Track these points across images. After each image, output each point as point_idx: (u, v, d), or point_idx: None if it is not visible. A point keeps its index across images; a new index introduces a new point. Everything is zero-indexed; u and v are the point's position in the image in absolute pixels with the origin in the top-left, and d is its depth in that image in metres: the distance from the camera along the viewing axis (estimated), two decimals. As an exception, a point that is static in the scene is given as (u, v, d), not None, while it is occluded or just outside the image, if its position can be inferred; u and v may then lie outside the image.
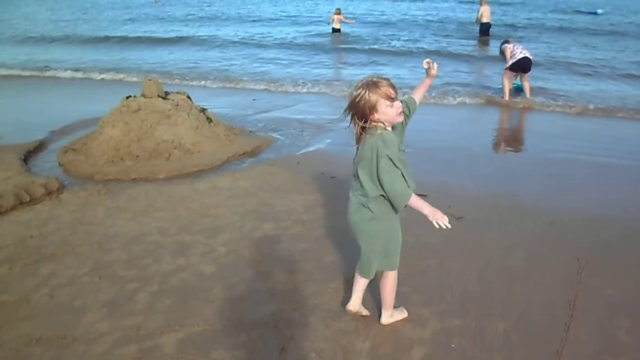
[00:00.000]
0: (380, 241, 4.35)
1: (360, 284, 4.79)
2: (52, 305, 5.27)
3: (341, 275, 5.59)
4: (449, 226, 3.85)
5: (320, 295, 5.26)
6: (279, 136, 10.96)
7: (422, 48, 23.58)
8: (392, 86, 3.97)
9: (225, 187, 8.16)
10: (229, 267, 5.86)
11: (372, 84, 3.94)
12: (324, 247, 6.20)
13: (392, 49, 23.56)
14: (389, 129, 4.10)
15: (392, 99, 3.94)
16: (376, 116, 3.96)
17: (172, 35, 30.33)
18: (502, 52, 14.07)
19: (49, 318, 5.07)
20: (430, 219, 3.90)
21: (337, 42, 26.78)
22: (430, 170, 8.58)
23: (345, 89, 15.84)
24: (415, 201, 3.98)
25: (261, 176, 8.59)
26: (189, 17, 41.34)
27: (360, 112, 3.98)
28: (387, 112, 3.95)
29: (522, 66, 13.74)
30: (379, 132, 3.99)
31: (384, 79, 3.98)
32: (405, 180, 3.98)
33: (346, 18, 29.46)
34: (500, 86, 14.49)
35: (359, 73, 18.38)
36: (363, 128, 4.04)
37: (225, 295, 5.31)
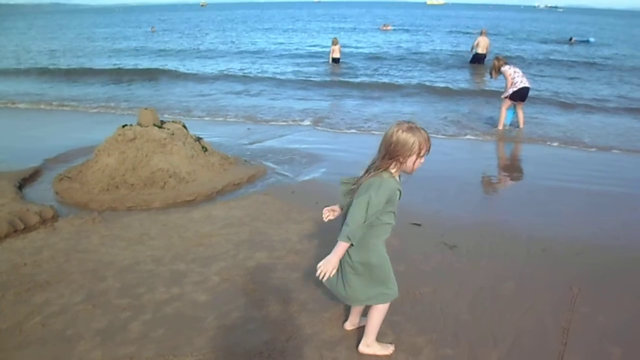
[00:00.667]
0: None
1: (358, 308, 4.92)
2: (45, 334, 5.25)
3: (335, 305, 5.57)
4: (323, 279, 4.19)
5: (314, 325, 5.26)
6: (273, 165, 11.02)
7: (415, 81, 23.76)
8: (429, 141, 3.97)
9: (219, 216, 8.19)
10: (222, 295, 5.86)
11: (415, 130, 3.93)
12: (316, 278, 6.20)
13: (388, 82, 23.73)
14: (397, 177, 4.12)
15: (422, 154, 3.96)
16: (400, 159, 3.98)
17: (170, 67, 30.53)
18: (499, 72, 14.02)
19: (41, 346, 5.05)
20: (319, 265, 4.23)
21: (336, 71, 27.15)
22: (424, 199, 8.65)
23: (341, 119, 16.01)
24: (340, 248, 4.26)
25: (255, 205, 8.63)
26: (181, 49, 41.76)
27: (391, 150, 3.97)
28: (409, 163, 3.98)
29: (521, 95, 13.83)
30: (385, 175, 4.02)
31: (424, 130, 3.99)
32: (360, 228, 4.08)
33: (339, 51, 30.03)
34: (492, 115, 14.58)
35: (354, 104, 18.64)
36: (378, 166, 4.07)
37: (218, 324, 5.31)
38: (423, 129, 3.98)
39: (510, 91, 13.69)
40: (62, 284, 6.20)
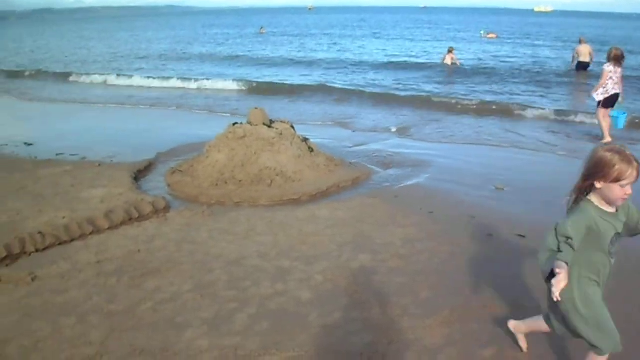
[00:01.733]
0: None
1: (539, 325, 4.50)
2: (156, 319, 5.50)
3: (437, 312, 5.49)
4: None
5: (416, 331, 5.20)
6: (377, 168, 11.01)
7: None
8: (637, 170, 3.56)
9: (324, 216, 8.27)
10: (325, 295, 5.92)
11: (622, 153, 3.57)
12: (421, 283, 6.14)
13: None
14: (603, 207, 3.73)
15: (624, 182, 3.56)
16: (599, 185, 3.65)
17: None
18: (609, 61, 13.00)
19: (152, 331, 5.29)
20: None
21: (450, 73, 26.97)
22: (527, 211, 8.40)
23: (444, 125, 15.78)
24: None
25: (359, 207, 8.65)
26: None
27: (589, 168, 3.69)
28: (614, 190, 3.60)
29: (612, 102, 13.00)
30: (583, 203, 3.75)
31: (635, 159, 3.57)
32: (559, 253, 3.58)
33: (457, 60, 29.70)
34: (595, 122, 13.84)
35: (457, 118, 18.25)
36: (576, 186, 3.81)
37: (321, 323, 5.36)
38: (635, 157, 3.59)
39: (602, 97, 12.87)
40: (173, 272, 6.47)
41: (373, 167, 11.10)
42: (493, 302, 5.68)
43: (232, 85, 24.37)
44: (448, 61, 29.48)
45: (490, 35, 56.61)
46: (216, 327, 5.32)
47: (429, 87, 23.34)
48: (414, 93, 21.70)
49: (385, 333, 5.19)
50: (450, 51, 29.92)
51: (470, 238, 7.33)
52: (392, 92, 21.99)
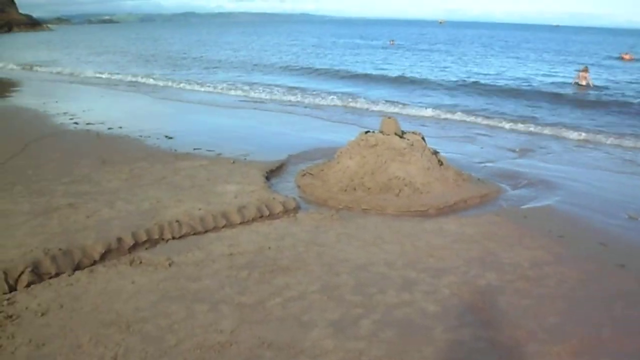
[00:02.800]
0: None
1: None
2: (284, 315, 5.66)
3: (566, 340, 5.30)
4: None
5: (543, 357, 5.03)
6: (505, 187, 10.77)
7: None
8: None
9: (451, 230, 8.19)
10: (451, 309, 5.85)
11: None
12: (548, 307, 5.95)
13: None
14: None
15: None
16: None
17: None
18: None
19: (280, 326, 5.45)
20: None
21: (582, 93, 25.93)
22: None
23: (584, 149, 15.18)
24: None
25: (487, 225, 8.49)
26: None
27: None
28: None
29: None
30: None
31: None
32: None
33: (591, 80, 28.50)
34: None
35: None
36: None
37: (446, 337, 5.31)
38: None
39: None
40: (301, 271, 6.64)
41: (501, 184, 10.86)
42: (624, 337, 5.41)
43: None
44: (582, 81, 28.30)
45: (627, 57, 52.89)
46: (341, 329, 5.40)
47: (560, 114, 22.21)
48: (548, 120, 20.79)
49: (510, 355, 5.08)
50: (584, 70, 28.69)
51: (601, 267, 7.00)
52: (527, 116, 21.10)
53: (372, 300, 5.99)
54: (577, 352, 5.12)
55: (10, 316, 5.55)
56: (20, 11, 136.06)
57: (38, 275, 6.40)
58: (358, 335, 5.31)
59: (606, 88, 28.49)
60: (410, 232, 8.03)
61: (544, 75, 35.77)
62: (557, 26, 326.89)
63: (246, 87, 27.16)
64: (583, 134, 16.87)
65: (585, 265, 7.02)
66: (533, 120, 19.57)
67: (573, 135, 16.83)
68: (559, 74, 36.81)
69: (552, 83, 30.78)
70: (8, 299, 5.88)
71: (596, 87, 28.08)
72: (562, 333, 5.45)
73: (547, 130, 17.47)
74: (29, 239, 7.20)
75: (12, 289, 6.15)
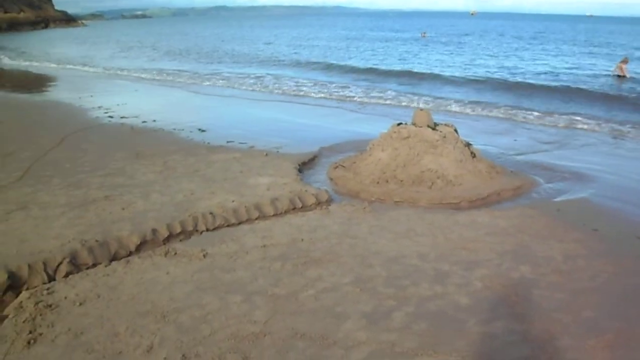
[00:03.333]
0: None
1: None
2: (317, 306, 5.69)
3: (600, 334, 5.23)
4: None
5: (577, 351, 4.98)
6: (539, 179, 10.65)
7: None
8: None
9: (484, 223, 8.13)
10: (484, 302, 5.82)
11: None
12: (582, 301, 5.87)
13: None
14: None
15: None
16: None
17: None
18: None
19: (313, 317, 5.48)
20: None
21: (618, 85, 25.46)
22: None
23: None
24: None
25: (520, 217, 8.40)
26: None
27: None
28: None
29: None
30: None
31: None
32: None
33: (627, 71, 28.04)
34: None
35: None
36: None
37: (479, 330, 5.28)
38: None
39: None
40: (334, 263, 6.66)
41: (535, 177, 10.75)
42: (661, 332, 5.36)
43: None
44: (620, 72, 27.87)
45: None
46: (374, 321, 5.41)
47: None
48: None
49: (544, 349, 5.03)
50: (623, 61, 28.22)
51: (636, 261, 6.86)
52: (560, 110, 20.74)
53: (404, 293, 5.98)
54: (611, 346, 5.06)
55: (50, 305, 5.69)
56: (56, 8, 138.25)
57: (76, 265, 6.55)
58: (391, 327, 5.32)
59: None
60: (442, 225, 8.00)
61: (577, 67, 35.14)
62: (590, 16, 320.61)
63: (276, 81, 27.25)
64: (617, 126, 16.58)
65: (620, 259, 6.90)
66: (567, 112, 19.28)
67: (607, 127, 16.55)
68: (593, 66, 36.14)
69: (588, 75, 30.29)
70: (47, 289, 6.02)
71: (632, 79, 27.56)
72: (596, 327, 5.37)
73: (580, 124, 17.17)
74: (66, 230, 7.36)
75: (51, 278, 6.30)
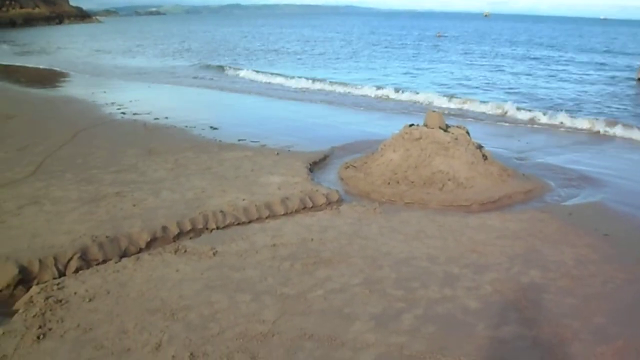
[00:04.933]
0: None
1: None
2: (326, 307, 5.68)
3: (611, 341, 5.19)
4: None
5: (586, 358, 4.94)
6: (550, 182, 10.59)
7: None
8: None
9: (494, 226, 8.10)
10: (494, 306, 5.80)
11: None
12: (593, 307, 5.83)
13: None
14: None
15: None
16: None
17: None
18: None
19: (321, 318, 5.48)
20: None
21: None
22: None
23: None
24: None
25: (531, 221, 8.36)
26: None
27: None
28: None
29: None
30: None
31: None
32: None
33: None
34: None
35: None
36: None
37: (488, 334, 5.26)
38: None
39: None
40: (343, 264, 6.65)
41: (547, 181, 10.69)
42: (674, 340, 5.31)
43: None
44: None
45: None
46: (383, 323, 5.40)
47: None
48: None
49: (553, 355, 5.01)
50: None
51: (649, 267, 6.87)
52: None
53: (414, 295, 5.97)
54: (621, 353, 5.03)
55: (60, 300, 5.71)
56: (71, 3, 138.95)
57: (86, 261, 6.57)
58: (400, 330, 5.31)
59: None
60: (453, 227, 7.97)
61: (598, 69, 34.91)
62: (605, 19, 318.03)
63: (288, 79, 27.23)
64: (630, 131, 16.42)
65: (631, 265, 6.86)
66: (582, 117, 19.11)
67: (621, 132, 16.39)
68: (609, 68, 35.92)
69: (609, 77, 30.16)
70: (57, 284, 6.04)
71: None
72: (607, 334, 5.34)
73: (594, 127, 17.02)
74: (77, 226, 7.39)
75: (62, 274, 6.33)
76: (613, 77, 30.07)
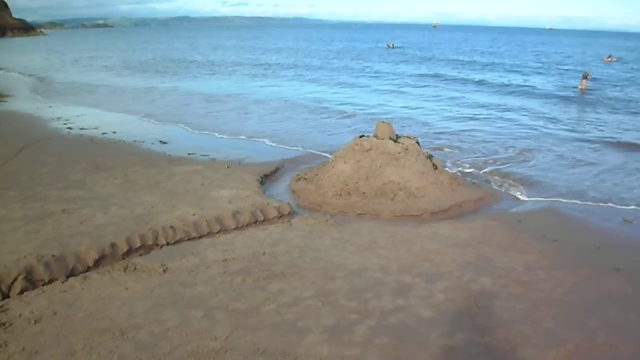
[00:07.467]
0: None
1: None
2: (279, 321, 5.64)
3: (561, 345, 5.30)
4: None
5: (539, 362, 5.09)
6: (500, 190, 10.79)
7: None
8: None
9: (446, 235, 8.18)
10: (446, 315, 5.84)
11: None
12: (543, 312, 5.94)
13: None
14: None
15: None
16: None
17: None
18: None
19: (274, 332, 5.43)
20: None
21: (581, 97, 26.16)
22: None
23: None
24: None
25: (482, 229, 8.48)
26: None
27: None
28: None
29: None
30: None
31: None
32: None
33: (587, 86, 29.13)
34: None
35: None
36: None
37: (442, 343, 5.29)
38: None
39: None
40: (296, 277, 6.62)
41: (496, 188, 10.87)
42: (620, 341, 5.40)
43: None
44: (583, 86, 28.83)
45: (609, 59, 53.53)
46: (337, 336, 5.38)
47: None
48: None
49: (506, 360, 5.09)
50: (586, 77, 29.23)
51: (596, 270, 6.98)
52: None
53: (367, 306, 5.97)
54: (572, 356, 5.12)
55: (4, 324, 5.53)
56: (14, 16, 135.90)
57: (31, 282, 6.38)
58: (353, 342, 5.30)
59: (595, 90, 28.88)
60: (405, 237, 8.02)
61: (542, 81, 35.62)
62: (550, 29, 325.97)
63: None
64: (578, 135, 16.82)
65: (580, 269, 7.01)
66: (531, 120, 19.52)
67: (567, 135, 16.78)
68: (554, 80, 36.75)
69: (557, 86, 30.85)
70: (1, 307, 5.85)
71: (589, 92, 28.39)
72: (558, 338, 5.44)
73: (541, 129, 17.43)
74: (22, 246, 7.18)
75: (5, 296, 6.13)
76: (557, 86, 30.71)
